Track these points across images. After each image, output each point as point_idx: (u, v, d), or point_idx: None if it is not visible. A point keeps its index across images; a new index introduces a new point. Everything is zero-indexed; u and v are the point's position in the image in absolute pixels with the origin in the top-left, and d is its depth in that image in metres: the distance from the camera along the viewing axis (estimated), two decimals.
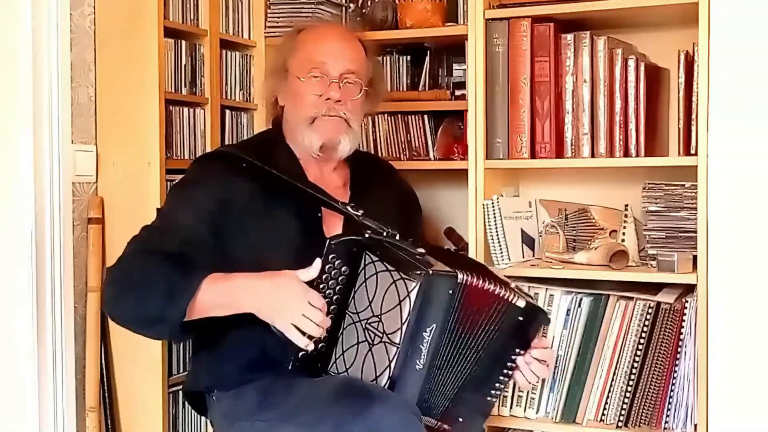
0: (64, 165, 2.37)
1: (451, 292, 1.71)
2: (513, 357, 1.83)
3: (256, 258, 1.85)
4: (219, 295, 1.74)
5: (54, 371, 2.35)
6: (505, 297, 1.76)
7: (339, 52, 2.00)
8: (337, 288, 1.75)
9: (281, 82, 2.05)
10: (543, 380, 2.17)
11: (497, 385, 1.84)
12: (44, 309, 2.33)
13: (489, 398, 1.85)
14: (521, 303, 1.78)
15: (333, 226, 1.95)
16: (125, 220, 2.41)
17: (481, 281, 1.74)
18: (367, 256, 1.75)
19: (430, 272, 1.68)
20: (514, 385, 2.18)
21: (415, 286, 1.67)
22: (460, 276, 1.71)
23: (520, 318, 1.79)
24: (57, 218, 2.35)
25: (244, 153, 1.96)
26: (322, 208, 1.95)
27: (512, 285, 1.87)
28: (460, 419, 1.82)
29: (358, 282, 1.75)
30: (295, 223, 1.93)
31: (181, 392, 2.43)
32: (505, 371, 1.84)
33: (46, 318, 2.33)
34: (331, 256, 1.73)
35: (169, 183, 2.43)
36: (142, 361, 2.43)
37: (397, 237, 1.77)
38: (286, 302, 1.69)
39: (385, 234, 1.76)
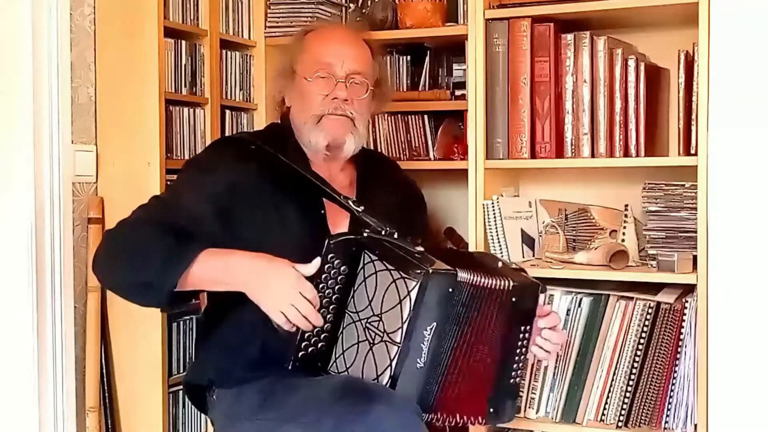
0: (64, 165, 2.37)
1: (451, 290, 1.71)
2: (521, 336, 1.83)
3: (260, 247, 1.85)
4: (213, 269, 1.75)
5: (54, 371, 2.35)
6: (495, 286, 1.76)
7: (345, 53, 2.00)
8: (337, 287, 1.75)
9: (289, 83, 2.05)
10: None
11: (515, 366, 1.84)
12: (44, 309, 2.33)
13: (512, 381, 1.85)
14: (507, 284, 1.78)
15: (339, 223, 1.96)
16: None
17: (478, 277, 1.74)
18: (366, 255, 1.75)
19: (430, 271, 1.67)
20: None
21: (415, 286, 1.66)
22: (460, 274, 1.71)
23: (513, 299, 1.79)
24: (57, 218, 2.35)
25: (257, 141, 1.97)
26: (327, 205, 1.95)
27: (499, 265, 1.87)
28: (491, 410, 1.82)
29: (358, 281, 1.75)
30: (301, 218, 1.93)
31: (181, 392, 2.43)
32: (518, 351, 1.83)
33: (46, 318, 2.33)
34: (330, 256, 1.72)
35: (169, 183, 2.43)
36: (142, 361, 2.44)
37: (396, 235, 1.76)
38: (277, 287, 1.70)
39: (384, 232, 1.75)
